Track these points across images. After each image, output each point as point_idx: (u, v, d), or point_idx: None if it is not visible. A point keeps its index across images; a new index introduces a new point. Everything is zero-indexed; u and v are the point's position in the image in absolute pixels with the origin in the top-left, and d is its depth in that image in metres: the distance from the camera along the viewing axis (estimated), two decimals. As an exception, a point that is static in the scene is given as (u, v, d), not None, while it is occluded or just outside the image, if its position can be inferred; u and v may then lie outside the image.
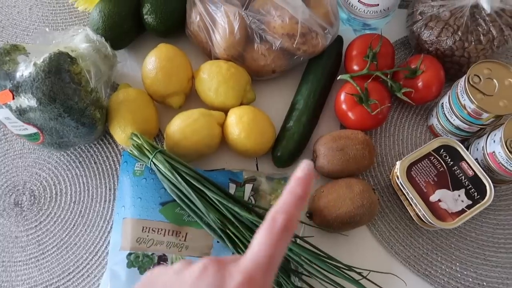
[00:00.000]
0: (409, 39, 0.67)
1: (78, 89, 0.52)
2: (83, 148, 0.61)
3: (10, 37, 0.68)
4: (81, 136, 0.55)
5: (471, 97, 0.52)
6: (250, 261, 0.27)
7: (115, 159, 0.61)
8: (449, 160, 0.53)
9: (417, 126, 0.63)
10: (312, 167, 0.31)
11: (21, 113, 0.51)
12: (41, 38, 0.58)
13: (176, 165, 0.51)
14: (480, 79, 0.53)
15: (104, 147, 0.62)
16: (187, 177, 0.51)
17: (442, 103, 0.58)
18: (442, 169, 0.53)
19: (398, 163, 0.53)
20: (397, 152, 0.62)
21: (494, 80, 0.52)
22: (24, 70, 0.50)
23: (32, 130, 0.53)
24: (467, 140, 0.60)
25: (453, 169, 0.53)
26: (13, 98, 0.50)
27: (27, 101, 0.50)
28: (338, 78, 0.60)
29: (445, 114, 0.57)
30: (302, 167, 0.31)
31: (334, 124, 0.63)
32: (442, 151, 0.54)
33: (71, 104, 0.51)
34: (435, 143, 0.54)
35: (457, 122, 0.56)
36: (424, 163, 0.53)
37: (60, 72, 0.50)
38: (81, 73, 0.53)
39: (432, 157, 0.53)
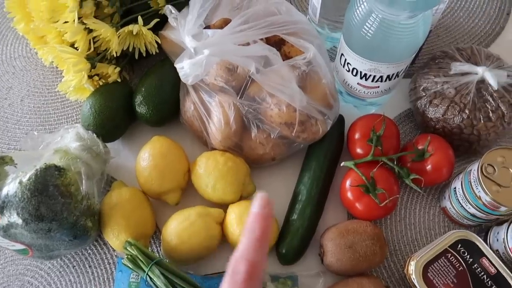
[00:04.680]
0: (414, 114, 0.64)
1: (67, 202, 0.49)
2: (78, 251, 0.58)
3: (1, 131, 0.66)
4: (73, 247, 0.52)
5: (486, 189, 0.48)
6: None
7: (111, 261, 0.58)
8: (468, 256, 0.49)
9: (429, 207, 0.59)
10: (270, 200, 0.27)
11: (6, 231, 0.48)
12: (30, 142, 0.56)
13: (173, 279, 0.48)
14: (494, 169, 0.49)
15: (99, 248, 0.58)
16: (186, 294, 0.47)
17: (455, 188, 0.54)
18: (461, 268, 0.49)
19: (412, 263, 0.49)
20: (409, 238, 0.58)
21: (510, 170, 0.49)
22: (10, 187, 0.48)
23: (20, 246, 0.50)
24: (485, 225, 0.56)
25: (473, 267, 0.49)
26: (-1, 219, 0.47)
27: (12, 220, 0.47)
28: (341, 165, 0.57)
29: (458, 201, 0.54)
30: (258, 200, 0.27)
31: (341, 211, 0.59)
32: (459, 246, 0.50)
33: (60, 219, 0.48)
34: (451, 237, 0.50)
35: (472, 210, 0.52)
36: (441, 262, 0.49)
37: (47, 189, 0.47)
38: (70, 184, 0.50)
39: (449, 254, 0.49)
